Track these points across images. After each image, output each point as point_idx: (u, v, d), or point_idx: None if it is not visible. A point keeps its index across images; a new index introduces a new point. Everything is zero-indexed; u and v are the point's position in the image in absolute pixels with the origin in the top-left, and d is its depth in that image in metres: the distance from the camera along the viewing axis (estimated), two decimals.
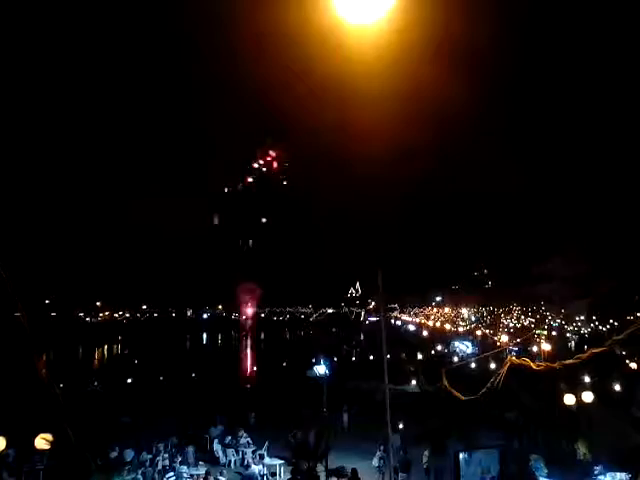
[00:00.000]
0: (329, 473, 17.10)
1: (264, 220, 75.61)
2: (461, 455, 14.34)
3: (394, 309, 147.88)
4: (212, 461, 20.63)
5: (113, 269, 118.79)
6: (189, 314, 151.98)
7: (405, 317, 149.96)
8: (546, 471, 16.56)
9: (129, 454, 18.61)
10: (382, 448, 17.78)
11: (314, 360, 27.27)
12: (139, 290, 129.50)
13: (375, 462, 17.95)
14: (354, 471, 16.64)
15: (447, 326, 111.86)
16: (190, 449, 19.60)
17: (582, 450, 18.52)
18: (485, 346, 65.68)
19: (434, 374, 30.87)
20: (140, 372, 42.13)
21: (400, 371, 41.87)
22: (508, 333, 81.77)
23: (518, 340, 56.41)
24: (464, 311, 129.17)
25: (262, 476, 18.39)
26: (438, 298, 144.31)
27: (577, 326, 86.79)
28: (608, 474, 16.29)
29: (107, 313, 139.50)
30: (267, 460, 19.77)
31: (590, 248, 65.23)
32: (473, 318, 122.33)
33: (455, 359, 52.73)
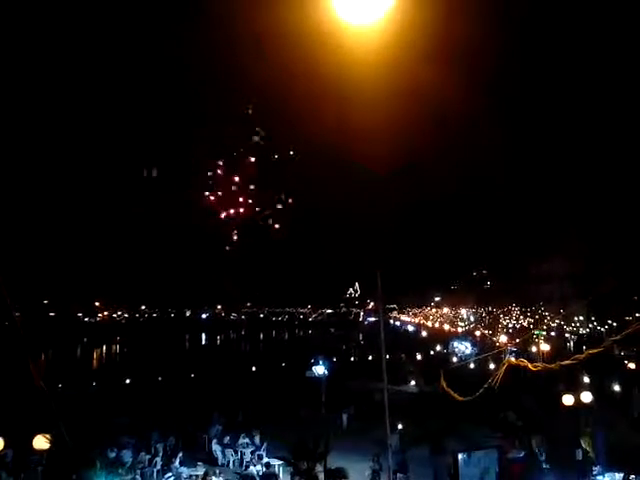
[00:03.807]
0: (328, 474, 17.04)
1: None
2: (460, 455, 14.35)
3: (393, 309, 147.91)
4: (211, 461, 20.59)
5: (112, 269, 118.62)
6: (188, 314, 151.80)
7: (404, 317, 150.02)
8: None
9: (127, 454, 18.60)
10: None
11: (313, 360, 27.17)
12: (138, 290, 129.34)
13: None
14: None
15: (446, 326, 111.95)
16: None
17: (581, 450, 18.54)
18: (484, 346, 65.71)
19: (433, 374, 30.87)
20: (138, 372, 42.02)
21: (399, 371, 41.84)
22: (507, 333, 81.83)
23: (517, 340, 56.36)
24: (463, 311, 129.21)
25: (260, 476, 18.36)
26: (437, 298, 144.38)
27: (576, 326, 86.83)
28: (607, 474, 16.31)
29: (106, 313, 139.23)
30: (266, 460, 19.74)
31: (589, 248, 65.22)
32: (472, 318, 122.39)
33: (454, 359, 52.69)
